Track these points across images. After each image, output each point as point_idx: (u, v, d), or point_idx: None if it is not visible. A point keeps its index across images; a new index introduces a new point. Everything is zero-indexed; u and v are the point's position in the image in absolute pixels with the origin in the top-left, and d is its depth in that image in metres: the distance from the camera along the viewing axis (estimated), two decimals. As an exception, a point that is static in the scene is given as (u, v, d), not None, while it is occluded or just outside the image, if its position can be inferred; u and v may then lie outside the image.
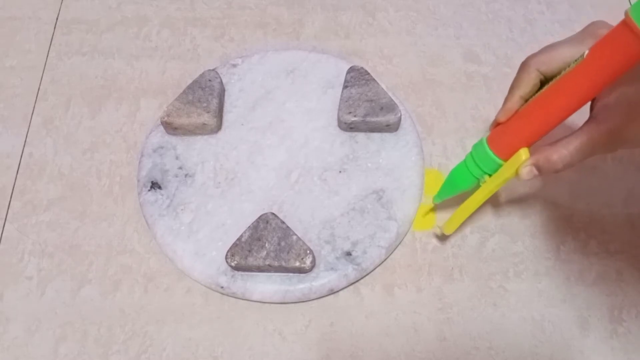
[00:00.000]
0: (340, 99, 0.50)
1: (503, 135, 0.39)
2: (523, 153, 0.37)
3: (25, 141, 0.52)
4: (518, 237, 0.47)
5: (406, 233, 0.47)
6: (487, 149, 0.39)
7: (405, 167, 0.49)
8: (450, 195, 0.44)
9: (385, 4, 0.60)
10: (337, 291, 0.45)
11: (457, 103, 0.54)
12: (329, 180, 0.48)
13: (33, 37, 0.58)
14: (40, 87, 0.55)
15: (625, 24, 0.31)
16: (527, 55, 0.56)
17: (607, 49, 0.33)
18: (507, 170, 0.38)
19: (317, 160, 0.49)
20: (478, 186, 0.41)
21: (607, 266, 0.46)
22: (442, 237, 0.47)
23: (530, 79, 0.38)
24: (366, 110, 0.49)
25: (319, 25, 0.59)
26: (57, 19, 0.59)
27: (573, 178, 0.50)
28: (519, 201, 0.49)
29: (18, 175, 0.51)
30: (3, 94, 0.55)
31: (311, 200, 0.48)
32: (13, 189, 0.50)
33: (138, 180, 0.49)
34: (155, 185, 0.48)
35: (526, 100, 0.38)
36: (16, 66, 0.56)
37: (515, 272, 0.46)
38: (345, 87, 0.51)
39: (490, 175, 0.40)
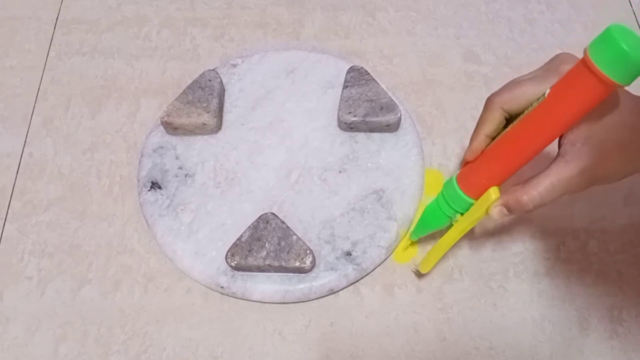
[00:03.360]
0: (340, 99, 0.50)
1: (472, 174, 0.39)
2: (493, 192, 0.37)
3: (25, 141, 0.52)
4: (518, 237, 0.47)
5: (406, 233, 0.47)
6: (457, 188, 0.39)
7: (405, 167, 0.49)
8: (426, 233, 0.44)
9: (385, 4, 0.60)
10: (337, 291, 0.45)
11: (457, 103, 0.54)
12: (329, 180, 0.48)
13: (33, 37, 0.58)
14: (40, 87, 0.55)
15: (585, 63, 0.30)
16: (527, 55, 0.57)
17: (567, 89, 0.32)
18: (477, 210, 0.38)
19: (317, 160, 0.49)
20: (451, 225, 0.41)
21: (607, 266, 0.46)
22: (420, 275, 0.46)
23: (495, 118, 0.37)
24: (366, 110, 0.49)
25: (319, 25, 0.59)
26: (57, 19, 0.59)
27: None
28: (519, 201, 0.49)
29: (18, 175, 0.51)
30: (3, 94, 0.55)
31: (311, 200, 0.48)
32: (13, 189, 0.50)
33: (138, 180, 0.49)
34: (155, 185, 0.48)
35: (492, 139, 0.38)
36: (16, 66, 0.56)
37: (515, 272, 0.46)
38: (345, 87, 0.51)
39: (462, 214, 0.40)
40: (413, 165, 0.49)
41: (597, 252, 0.47)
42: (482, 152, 0.38)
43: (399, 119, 0.50)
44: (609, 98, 0.32)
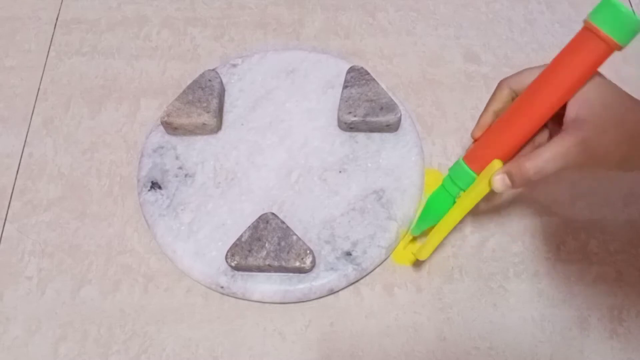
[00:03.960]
0: (340, 99, 0.50)
1: (477, 149, 0.39)
2: (496, 163, 0.37)
3: (25, 141, 0.52)
4: (518, 237, 0.47)
5: (406, 233, 0.47)
6: (463, 164, 0.39)
7: (405, 167, 0.49)
8: (429, 225, 0.43)
9: (385, 4, 0.60)
10: (337, 291, 0.45)
11: (457, 103, 0.54)
12: (329, 180, 0.48)
13: (33, 37, 0.58)
14: (40, 87, 0.55)
15: (587, 29, 0.33)
16: (527, 55, 0.57)
17: (570, 53, 0.35)
18: (481, 181, 0.38)
19: (317, 160, 0.49)
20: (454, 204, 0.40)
21: (607, 266, 0.46)
22: (417, 263, 0.46)
23: (503, 96, 0.39)
24: (366, 110, 0.49)
25: (319, 25, 0.59)
26: (57, 19, 0.59)
27: (573, 178, 0.50)
28: (519, 201, 0.49)
29: (18, 175, 0.51)
30: (3, 94, 0.55)
31: (311, 200, 0.48)
32: (13, 189, 0.50)
33: (138, 180, 0.49)
34: (155, 185, 0.48)
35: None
36: (16, 66, 0.56)
37: (515, 272, 0.46)
38: (345, 87, 0.51)
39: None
40: (413, 165, 0.49)
41: (597, 252, 0.47)
42: (489, 127, 0.39)
43: (399, 119, 0.50)
44: (611, 86, 0.35)
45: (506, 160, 0.37)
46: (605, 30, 0.33)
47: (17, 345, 0.43)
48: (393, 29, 0.59)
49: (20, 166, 0.51)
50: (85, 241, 0.48)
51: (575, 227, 0.48)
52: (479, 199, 0.39)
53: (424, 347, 0.43)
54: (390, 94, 0.51)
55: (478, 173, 0.38)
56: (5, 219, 0.49)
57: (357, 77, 0.51)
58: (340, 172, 0.49)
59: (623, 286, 0.45)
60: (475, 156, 0.39)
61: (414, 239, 0.47)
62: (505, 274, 0.46)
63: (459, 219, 0.40)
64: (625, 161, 0.35)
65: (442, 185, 0.41)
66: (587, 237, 0.47)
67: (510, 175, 0.36)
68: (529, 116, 0.36)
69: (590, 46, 0.34)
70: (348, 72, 0.52)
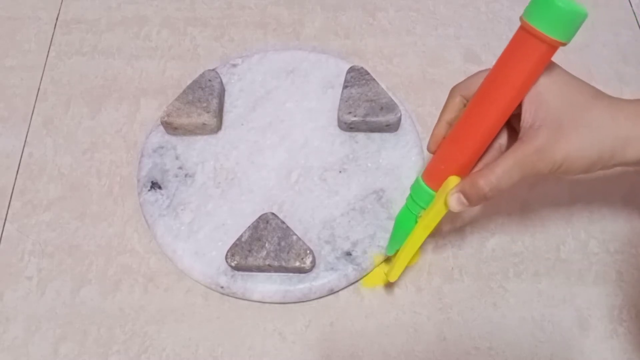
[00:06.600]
0: (340, 99, 0.50)
1: (433, 165, 0.37)
2: (451, 180, 0.35)
3: (25, 141, 0.52)
4: (518, 237, 0.47)
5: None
6: (421, 182, 0.37)
7: (405, 167, 0.49)
8: (401, 243, 0.41)
9: (385, 4, 0.60)
10: (337, 291, 0.45)
11: (457, 103, 0.54)
12: (329, 180, 0.48)
13: (33, 37, 0.58)
14: (40, 87, 0.55)
15: (524, 28, 0.31)
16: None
17: (509, 57, 0.32)
18: (438, 200, 0.36)
19: (317, 160, 0.49)
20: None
21: (607, 266, 0.46)
22: (389, 284, 0.45)
23: (455, 104, 0.37)
24: (366, 110, 0.49)
25: (319, 25, 0.59)
26: (57, 19, 0.59)
27: (573, 178, 0.50)
28: (520, 201, 0.49)
29: (18, 175, 0.51)
30: (3, 94, 0.55)
31: (311, 200, 0.48)
32: (13, 189, 0.50)
33: (138, 180, 0.49)
34: (155, 185, 0.48)
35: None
36: (16, 66, 0.56)
37: (515, 272, 0.46)
38: (345, 87, 0.51)
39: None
40: (413, 165, 0.49)
41: (597, 252, 0.47)
42: (442, 141, 0.38)
43: (399, 119, 0.50)
44: (570, 83, 0.33)
45: (464, 174, 0.36)
46: (541, 29, 0.30)
47: (17, 345, 0.43)
48: (393, 29, 0.59)
49: (20, 166, 0.51)
50: (85, 241, 0.48)
51: (575, 227, 0.48)
52: (440, 218, 0.37)
53: (424, 347, 0.43)
54: (390, 94, 0.51)
55: (436, 190, 0.37)
56: (5, 219, 0.49)
57: (357, 77, 0.51)
58: (340, 172, 0.49)
59: (623, 286, 0.45)
60: (432, 173, 0.37)
61: (388, 259, 0.46)
62: (505, 274, 0.46)
63: (422, 239, 0.39)
64: (593, 166, 0.33)
65: (406, 204, 0.40)
66: (587, 237, 0.47)
67: (465, 194, 0.34)
68: (476, 128, 0.34)
69: (529, 48, 0.31)
70: (348, 72, 0.52)
